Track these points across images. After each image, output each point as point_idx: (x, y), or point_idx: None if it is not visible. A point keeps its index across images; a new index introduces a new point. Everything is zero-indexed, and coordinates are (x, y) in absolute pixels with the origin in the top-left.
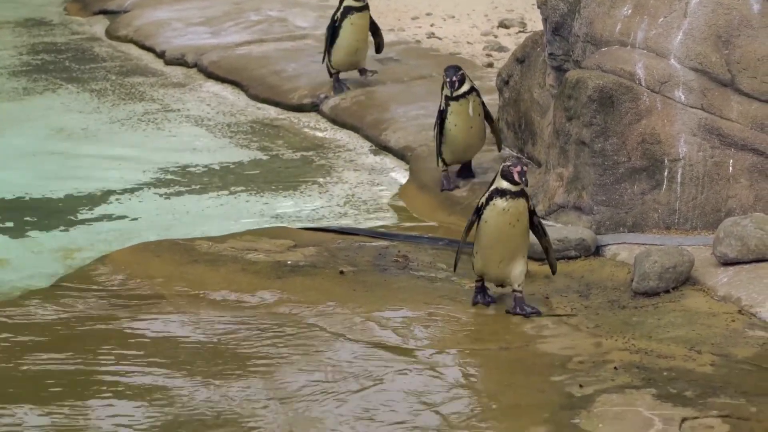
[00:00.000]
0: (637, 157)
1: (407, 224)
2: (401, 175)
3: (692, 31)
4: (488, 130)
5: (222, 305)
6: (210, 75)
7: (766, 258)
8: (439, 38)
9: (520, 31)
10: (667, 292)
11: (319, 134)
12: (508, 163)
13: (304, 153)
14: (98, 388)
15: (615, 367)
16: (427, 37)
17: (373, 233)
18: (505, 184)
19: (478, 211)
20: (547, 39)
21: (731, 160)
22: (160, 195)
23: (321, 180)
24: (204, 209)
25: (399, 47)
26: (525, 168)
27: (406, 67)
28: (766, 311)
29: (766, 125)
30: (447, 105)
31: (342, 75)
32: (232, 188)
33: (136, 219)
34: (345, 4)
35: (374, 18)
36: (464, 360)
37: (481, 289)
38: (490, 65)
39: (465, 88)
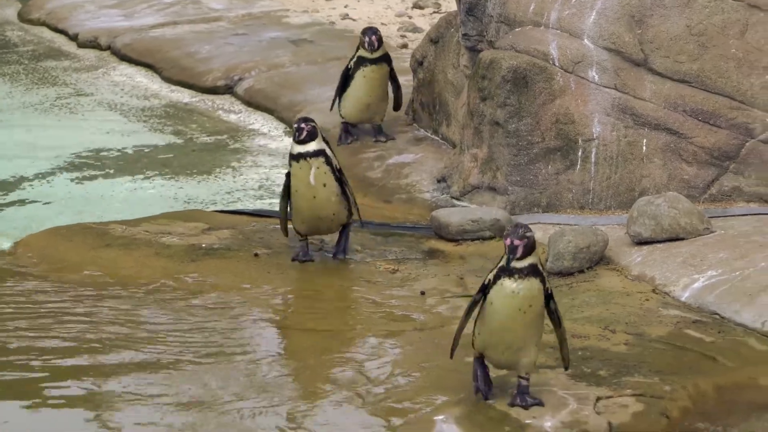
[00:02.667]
0: (551, 137)
1: None
2: None
3: (605, 11)
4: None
5: (135, 289)
6: (123, 57)
7: (680, 237)
8: (354, 19)
9: (434, 12)
10: (582, 271)
11: (234, 117)
12: (505, 233)
13: (219, 136)
14: None
15: None
16: (342, 19)
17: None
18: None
19: (484, 289)
20: (461, 19)
21: (645, 140)
22: (73, 180)
23: (235, 164)
24: (117, 193)
25: (313, 29)
26: (517, 241)
27: (321, 48)
28: (680, 290)
29: (679, 105)
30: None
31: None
32: (146, 172)
33: (48, 204)
34: (358, 53)
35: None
36: (379, 341)
37: (483, 375)
38: (405, 46)
39: (313, 146)
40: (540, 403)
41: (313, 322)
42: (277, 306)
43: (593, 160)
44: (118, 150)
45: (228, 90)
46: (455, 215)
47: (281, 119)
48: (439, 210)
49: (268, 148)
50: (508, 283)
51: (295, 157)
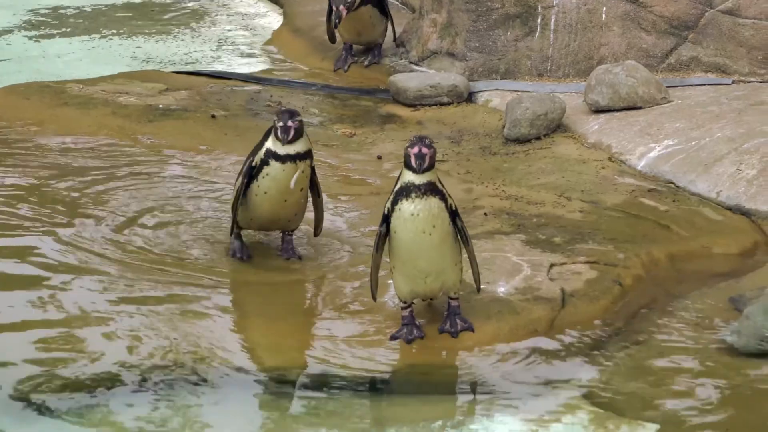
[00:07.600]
0: (510, 3)
1: (280, 69)
2: (275, 20)
3: None
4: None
5: (92, 148)
6: None
7: (637, 106)
8: None
9: None
10: (538, 138)
11: None
12: (407, 144)
13: None
14: None
15: (485, 213)
16: None
17: (246, 77)
18: (409, 177)
19: (386, 219)
20: None
21: (604, 8)
22: (30, 38)
23: (194, 24)
24: (75, 52)
25: None
26: (426, 149)
27: None
28: (636, 158)
29: None
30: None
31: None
32: (103, 31)
33: (5, 61)
34: None
35: None
36: (335, 205)
37: (410, 321)
38: None
39: (301, 146)
40: (470, 328)
41: None
42: (231, 167)
43: (552, 27)
44: (76, 8)
45: None
46: (413, 80)
47: None
48: (397, 75)
49: (228, 9)
50: (406, 206)
51: (280, 158)
